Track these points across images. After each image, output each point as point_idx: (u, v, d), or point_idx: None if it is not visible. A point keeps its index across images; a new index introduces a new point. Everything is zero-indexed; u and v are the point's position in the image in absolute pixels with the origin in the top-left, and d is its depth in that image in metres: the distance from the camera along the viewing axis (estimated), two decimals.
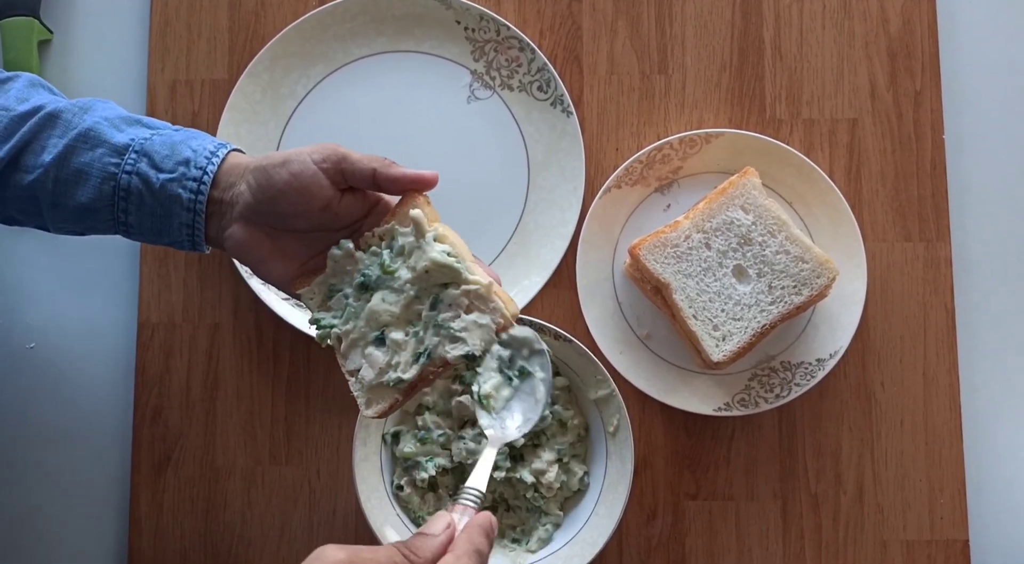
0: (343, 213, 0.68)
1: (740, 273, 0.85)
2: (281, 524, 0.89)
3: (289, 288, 0.69)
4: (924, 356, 0.90)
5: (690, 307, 0.84)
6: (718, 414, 0.87)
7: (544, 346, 0.67)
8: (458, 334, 0.64)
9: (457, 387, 0.85)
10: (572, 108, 0.91)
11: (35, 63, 0.93)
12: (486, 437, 0.66)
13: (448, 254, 0.65)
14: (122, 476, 0.91)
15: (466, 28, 0.92)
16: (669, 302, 0.85)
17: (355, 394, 0.67)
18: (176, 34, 0.94)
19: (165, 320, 0.91)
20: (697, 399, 0.88)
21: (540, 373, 0.67)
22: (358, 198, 0.68)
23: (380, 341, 0.66)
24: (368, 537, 0.81)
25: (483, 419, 0.66)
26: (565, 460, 0.86)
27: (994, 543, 0.90)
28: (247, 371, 0.91)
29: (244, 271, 0.89)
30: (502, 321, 0.65)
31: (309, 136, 0.92)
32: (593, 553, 0.81)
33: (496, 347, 0.65)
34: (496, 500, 0.87)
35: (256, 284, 0.89)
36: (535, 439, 0.86)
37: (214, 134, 0.90)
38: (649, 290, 0.87)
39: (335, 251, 0.67)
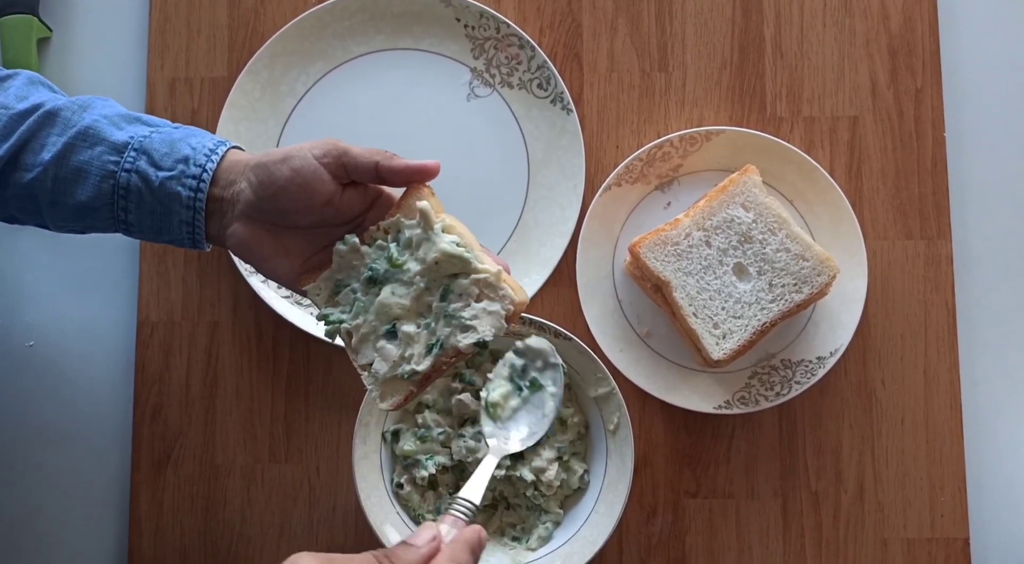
0: (345, 208, 0.68)
1: (740, 271, 0.85)
2: (281, 522, 0.89)
3: (294, 285, 0.69)
4: (925, 354, 0.90)
5: (690, 305, 0.84)
6: (718, 412, 0.87)
7: (559, 360, 0.66)
8: (469, 323, 0.64)
9: (457, 385, 0.85)
10: (572, 106, 0.91)
11: (34, 61, 0.93)
12: (487, 445, 0.66)
13: (457, 244, 0.65)
14: (122, 474, 0.91)
15: (466, 26, 0.92)
16: (669, 300, 0.84)
17: (368, 388, 0.67)
18: (175, 31, 0.94)
19: (164, 318, 0.91)
20: (697, 397, 0.87)
21: (551, 387, 0.66)
22: (359, 192, 0.68)
23: (391, 334, 0.66)
24: (368, 535, 0.81)
25: (487, 427, 0.66)
26: (565, 458, 0.86)
27: (995, 541, 0.89)
28: (247, 369, 0.91)
29: (243, 269, 0.89)
30: (512, 308, 0.65)
31: (309, 134, 0.92)
32: (593, 551, 0.81)
33: (510, 355, 0.65)
34: (496, 498, 0.87)
35: (255, 282, 0.89)
36: None
37: (213, 132, 0.90)
38: (649, 288, 0.87)
39: (340, 246, 0.67)
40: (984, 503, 0.90)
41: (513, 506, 0.86)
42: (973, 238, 0.92)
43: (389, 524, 0.82)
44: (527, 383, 0.66)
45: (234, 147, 0.71)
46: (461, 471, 0.86)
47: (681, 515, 0.89)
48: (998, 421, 0.91)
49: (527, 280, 0.90)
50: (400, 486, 0.84)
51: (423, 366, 0.65)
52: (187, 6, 0.94)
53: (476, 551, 0.58)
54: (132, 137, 0.69)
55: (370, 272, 0.66)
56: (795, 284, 0.84)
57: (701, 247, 0.84)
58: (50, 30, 0.95)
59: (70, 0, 0.96)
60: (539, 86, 0.92)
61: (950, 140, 0.92)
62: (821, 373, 0.87)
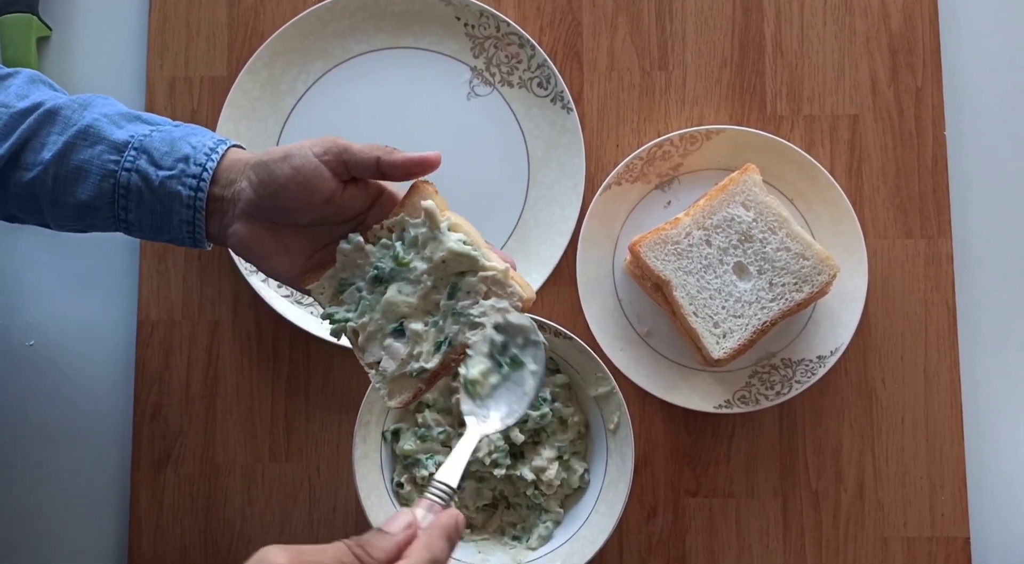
0: (346, 205, 0.67)
1: (741, 270, 0.85)
2: (281, 521, 0.89)
3: (296, 283, 0.69)
4: (925, 353, 0.90)
5: (690, 304, 0.84)
6: (718, 411, 0.87)
7: (541, 338, 0.64)
8: (477, 320, 0.64)
9: (457, 384, 0.85)
10: (572, 104, 0.91)
11: (34, 60, 0.93)
12: (465, 424, 0.63)
13: (464, 242, 0.64)
14: (122, 473, 0.91)
15: (466, 24, 0.92)
16: (669, 299, 0.84)
17: (376, 386, 0.66)
18: (175, 31, 0.94)
19: (165, 317, 0.91)
20: (697, 396, 0.87)
21: (532, 365, 0.64)
22: (361, 190, 0.68)
23: (399, 332, 0.66)
24: None
25: (466, 405, 0.63)
26: (565, 457, 0.86)
27: (995, 540, 0.89)
28: (247, 368, 0.91)
29: (244, 268, 0.89)
30: (520, 304, 0.65)
31: (308, 133, 0.92)
32: (593, 551, 0.81)
33: (490, 331, 0.64)
34: (496, 497, 0.87)
35: (256, 281, 0.89)
36: (535, 436, 0.85)
37: (213, 131, 0.90)
38: (649, 287, 0.87)
39: (344, 245, 0.67)
40: (984, 502, 0.89)
41: (513, 505, 0.86)
42: (973, 237, 0.92)
43: None
44: (507, 360, 0.64)
45: (234, 146, 0.70)
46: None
47: (681, 514, 0.89)
48: (998, 420, 0.91)
49: (527, 279, 0.90)
50: (400, 485, 0.84)
51: (432, 364, 0.65)
52: (187, 5, 0.94)
53: (453, 537, 0.56)
54: (132, 136, 0.69)
55: (376, 271, 0.66)
56: (795, 283, 0.84)
57: (701, 246, 0.84)
58: (50, 29, 0.95)
59: None
60: (539, 85, 0.92)
61: (950, 139, 0.92)
62: (821, 372, 0.87)
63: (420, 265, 0.65)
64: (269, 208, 0.66)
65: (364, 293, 0.67)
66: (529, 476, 0.84)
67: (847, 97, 0.92)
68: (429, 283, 0.65)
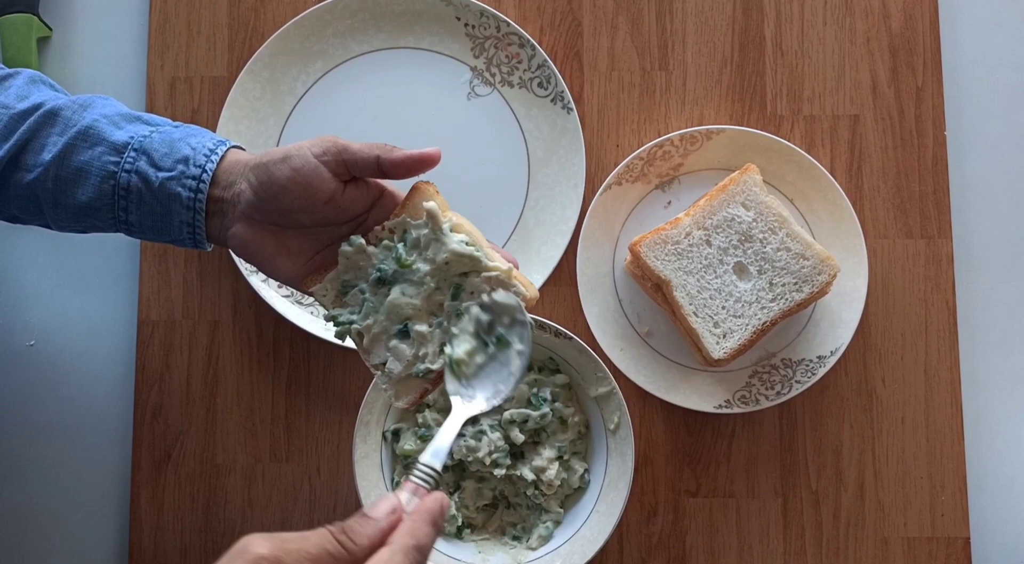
0: (347, 206, 0.67)
1: (741, 270, 0.85)
2: (281, 521, 0.89)
3: (298, 285, 0.69)
4: (925, 353, 0.90)
5: (691, 304, 0.84)
6: (719, 411, 0.87)
7: (527, 318, 0.63)
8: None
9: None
10: (572, 105, 0.91)
11: (34, 60, 0.93)
12: (451, 404, 0.62)
13: (467, 243, 0.64)
14: (122, 473, 0.91)
15: (466, 24, 0.92)
16: (670, 299, 0.84)
17: (383, 387, 0.66)
18: (175, 31, 0.94)
19: (165, 317, 0.91)
20: (698, 396, 0.87)
21: (518, 345, 0.63)
22: (361, 189, 0.68)
23: (403, 333, 0.65)
24: None
25: (451, 385, 0.63)
26: (566, 457, 0.86)
27: (995, 540, 0.89)
28: (247, 368, 0.91)
29: (244, 268, 0.89)
30: (523, 304, 0.64)
31: (309, 133, 0.92)
32: (594, 551, 0.81)
33: (476, 309, 0.63)
34: (496, 497, 0.87)
35: (256, 281, 0.89)
36: (535, 436, 0.86)
37: (214, 131, 0.90)
38: (650, 287, 0.87)
39: (346, 248, 0.66)
40: (984, 502, 0.89)
41: (513, 505, 0.86)
42: (974, 237, 0.92)
43: None
44: (493, 339, 0.63)
45: (234, 147, 0.70)
46: (461, 471, 0.86)
47: (681, 514, 0.89)
48: (998, 420, 0.91)
49: (528, 279, 0.90)
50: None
51: (438, 364, 0.65)
52: (187, 5, 0.94)
53: (438, 521, 0.55)
54: (132, 137, 0.69)
55: (378, 273, 0.66)
56: (795, 283, 0.84)
57: (701, 246, 0.84)
58: (50, 29, 0.95)
59: None
60: (539, 85, 0.92)
61: (951, 139, 0.92)
62: (821, 372, 0.87)
63: (423, 267, 0.65)
64: (269, 210, 0.66)
65: (367, 295, 0.66)
66: (529, 476, 0.84)
67: (847, 97, 0.92)
68: (432, 284, 0.65)
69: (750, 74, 0.93)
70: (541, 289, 0.90)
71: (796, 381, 0.87)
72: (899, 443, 0.89)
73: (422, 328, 0.65)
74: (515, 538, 0.86)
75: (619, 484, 0.83)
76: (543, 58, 0.91)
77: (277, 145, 0.92)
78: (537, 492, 0.84)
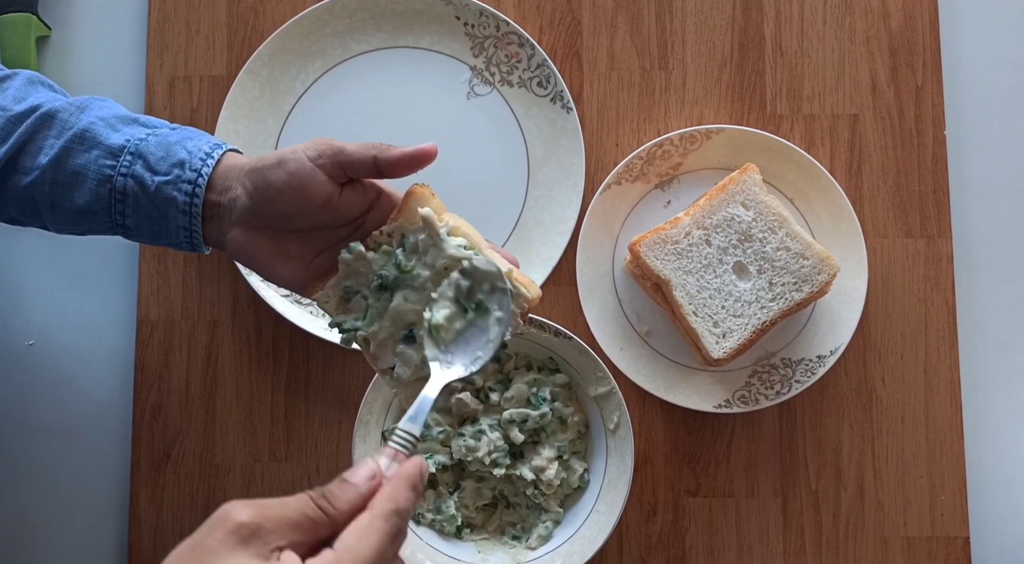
0: (344, 209, 0.66)
1: (740, 270, 0.84)
2: None
3: (300, 290, 0.68)
4: (925, 353, 0.90)
5: (690, 304, 0.84)
6: (718, 411, 0.87)
7: (508, 285, 0.63)
8: None
9: (457, 384, 0.85)
10: (572, 104, 0.91)
11: (33, 60, 0.93)
12: (430, 370, 0.62)
13: (465, 248, 0.64)
14: (122, 473, 0.91)
15: (465, 24, 0.92)
16: (669, 299, 0.84)
17: (393, 390, 0.65)
18: (174, 30, 0.94)
19: (164, 317, 0.91)
20: (697, 396, 0.87)
21: (497, 312, 0.62)
22: (358, 192, 0.67)
23: (409, 338, 0.65)
24: None
25: (430, 351, 0.62)
26: (565, 457, 0.85)
27: (995, 540, 0.89)
28: (246, 368, 0.91)
29: (243, 268, 0.89)
30: (526, 305, 0.64)
31: (308, 132, 0.92)
32: (593, 550, 0.81)
33: (455, 275, 0.63)
34: (496, 497, 0.87)
35: (255, 280, 0.89)
36: (535, 436, 0.86)
37: (212, 131, 0.90)
38: (649, 287, 0.87)
39: (345, 255, 0.65)
40: (984, 502, 0.89)
41: (513, 505, 0.86)
42: (973, 236, 0.92)
43: None
44: (473, 306, 0.63)
45: (231, 150, 0.70)
46: (461, 470, 0.86)
47: (681, 514, 0.89)
48: (998, 419, 0.90)
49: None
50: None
51: None
52: (186, 5, 0.94)
53: (417, 486, 0.54)
54: (128, 140, 0.68)
55: (379, 279, 0.65)
56: (795, 283, 0.84)
57: (701, 246, 0.84)
58: (49, 28, 0.95)
59: None
60: (539, 84, 0.92)
61: (950, 138, 0.92)
62: (821, 372, 0.87)
63: (423, 272, 0.64)
64: (265, 215, 0.65)
65: (371, 301, 0.66)
66: (529, 476, 0.84)
67: (847, 97, 0.92)
68: (434, 290, 0.65)
69: (750, 73, 0.93)
70: (541, 289, 0.90)
71: (796, 381, 0.87)
72: (899, 443, 0.89)
73: None
74: (515, 538, 0.86)
75: (619, 484, 0.83)
76: (542, 57, 0.91)
77: (276, 145, 0.92)
78: (537, 492, 0.84)
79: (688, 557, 0.88)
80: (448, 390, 0.85)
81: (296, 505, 0.52)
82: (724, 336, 0.83)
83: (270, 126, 0.92)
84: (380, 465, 0.55)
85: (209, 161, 0.67)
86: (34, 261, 0.93)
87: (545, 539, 0.85)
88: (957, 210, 0.92)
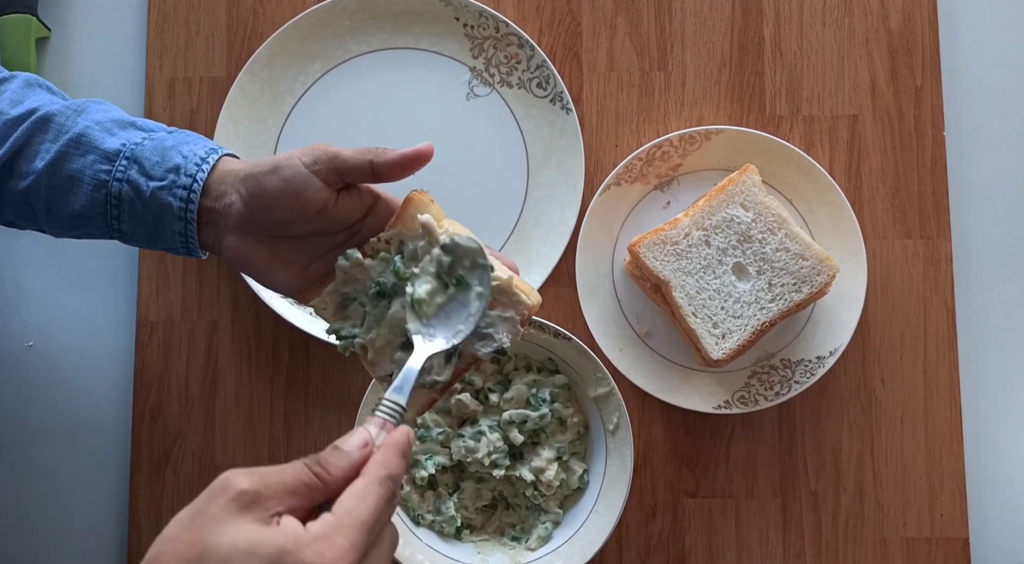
0: (340, 215, 0.66)
1: (740, 270, 0.84)
2: None
3: (297, 296, 0.68)
4: (924, 354, 0.90)
5: (690, 305, 0.84)
6: (718, 412, 0.87)
7: (489, 262, 0.63)
8: (486, 331, 0.63)
9: (456, 385, 0.85)
10: (571, 105, 0.91)
11: (32, 61, 0.93)
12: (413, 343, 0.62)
13: None
14: (121, 474, 0.91)
15: (465, 25, 0.92)
16: (669, 300, 0.84)
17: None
18: (174, 31, 0.94)
19: (164, 318, 0.91)
20: (697, 397, 0.87)
21: (478, 287, 0.62)
22: (354, 197, 0.66)
23: (407, 345, 0.65)
24: None
25: (413, 325, 0.63)
26: (565, 458, 0.86)
27: (994, 541, 0.89)
28: (246, 369, 0.91)
29: None
30: (526, 312, 0.64)
31: (307, 133, 0.92)
32: (593, 551, 0.81)
33: (437, 251, 0.63)
34: (495, 498, 0.87)
35: (254, 282, 0.89)
36: (534, 437, 0.86)
37: (212, 132, 0.90)
38: (649, 288, 0.87)
39: (343, 262, 0.65)
40: (984, 503, 0.89)
41: (512, 506, 0.86)
42: (973, 237, 0.92)
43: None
44: (454, 281, 0.63)
45: (227, 155, 0.69)
46: (461, 471, 0.86)
47: (681, 515, 0.89)
48: (997, 420, 0.91)
49: (527, 280, 0.90)
50: (400, 486, 0.84)
51: (444, 376, 0.64)
52: (186, 6, 0.94)
53: (407, 453, 0.56)
54: (124, 145, 0.68)
55: (377, 287, 0.64)
56: (794, 283, 0.84)
57: (700, 247, 0.84)
58: (49, 30, 0.95)
59: (69, 0, 0.96)
60: (538, 85, 0.92)
61: (950, 139, 0.92)
62: (821, 373, 0.87)
63: None
64: (261, 221, 0.65)
65: (368, 308, 0.65)
66: (528, 477, 0.84)
67: (846, 97, 0.92)
68: None
69: (749, 75, 0.93)
70: (540, 289, 0.90)
71: (795, 382, 0.87)
72: (898, 443, 0.89)
73: None
74: (514, 539, 0.86)
75: (618, 485, 0.83)
76: (542, 58, 0.91)
77: (276, 146, 0.92)
78: (536, 493, 0.84)
79: (688, 558, 0.88)
80: (450, 391, 0.85)
81: (292, 472, 0.52)
82: (723, 337, 0.83)
83: (270, 127, 0.92)
84: (371, 433, 0.56)
85: (204, 166, 0.67)
86: (33, 262, 0.93)
87: (545, 540, 0.85)
88: (956, 211, 0.92)
